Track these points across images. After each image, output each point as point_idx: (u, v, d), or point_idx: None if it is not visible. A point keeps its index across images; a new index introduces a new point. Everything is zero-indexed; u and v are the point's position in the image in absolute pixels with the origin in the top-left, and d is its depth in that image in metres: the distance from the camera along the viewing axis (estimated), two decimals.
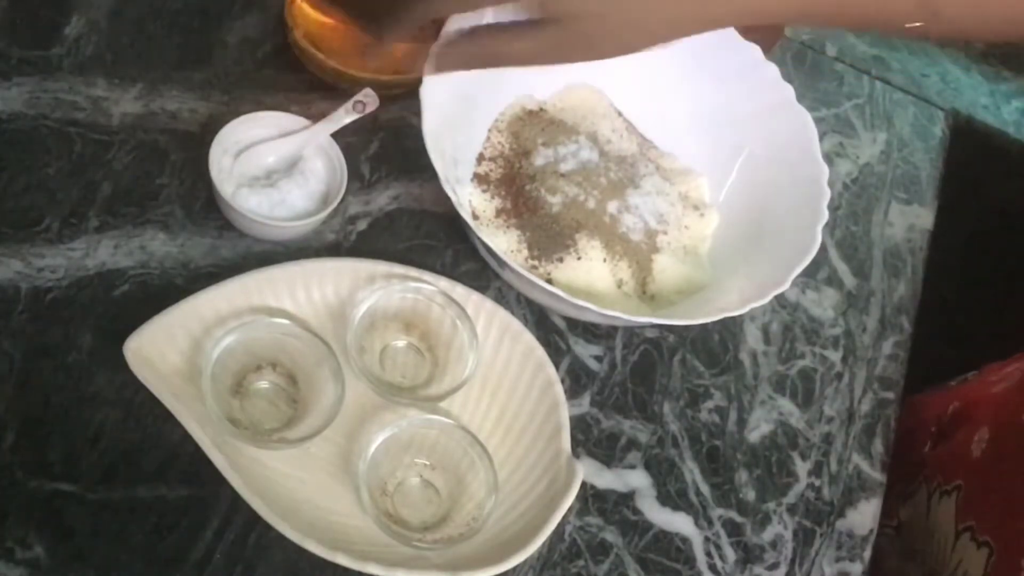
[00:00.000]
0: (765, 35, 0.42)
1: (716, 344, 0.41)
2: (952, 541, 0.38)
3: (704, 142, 0.43)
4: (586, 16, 0.28)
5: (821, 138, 0.41)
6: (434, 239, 0.39)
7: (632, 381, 0.39)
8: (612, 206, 0.40)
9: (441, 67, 0.33)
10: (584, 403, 0.38)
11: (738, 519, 0.37)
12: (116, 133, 0.37)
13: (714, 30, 0.30)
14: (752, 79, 0.41)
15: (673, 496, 0.37)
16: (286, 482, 0.32)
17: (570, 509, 0.32)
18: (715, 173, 0.43)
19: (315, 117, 0.38)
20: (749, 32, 0.42)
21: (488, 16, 0.32)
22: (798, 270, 0.36)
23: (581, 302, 0.34)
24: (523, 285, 0.36)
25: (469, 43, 0.31)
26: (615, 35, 0.29)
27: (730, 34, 0.42)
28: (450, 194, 0.34)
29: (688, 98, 0.43)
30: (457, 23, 0.33)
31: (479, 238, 0.34)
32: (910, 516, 0.43)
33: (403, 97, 0.41)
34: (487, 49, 0.31)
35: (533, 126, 0.42)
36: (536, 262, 0.38)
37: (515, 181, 0.40)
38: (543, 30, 0.29)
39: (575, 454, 0.34)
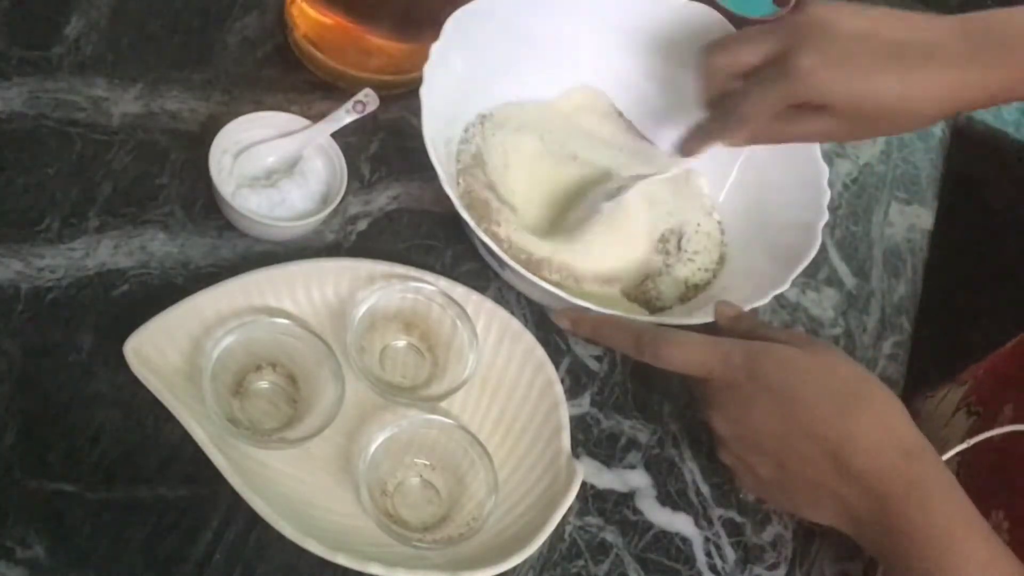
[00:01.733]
0: None
1: None
2: None
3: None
4: (858, 110, 0.33)
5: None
6: (434, 239, 0.39)
7: (632, 381, 0.39)
8: (610, 205, 0.40)
9: (731, 142, 0.37)
10: (584, 403, 0.38)
11: (738, 519, 0.37)
12: (116, 133, 0.37)
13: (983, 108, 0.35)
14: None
15: (673, 496, 0.37)
16: (286, 482, 0.32)
17: (570, 509, 0.33)
18: (716, 173, 0.43)
19: (315, 117, 0.38)
20: None
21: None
22: (798, 270, 0.36)
23: (580, 302, 0.34)
24: (523, 284, 0.36)
25: (767, 123, 0.35)
26: (891, 124, 0.34)
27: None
28: (449, 193, 0.34)
29: (689, 98, 0.43)
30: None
31: (479, 237, 0.34)
32: None
33: (403, 97, 0.41)
34: (779, 128, 0.35)
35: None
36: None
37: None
38: (828, 116, 0.34)
39: (575, 454, 0.35)
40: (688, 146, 0.39)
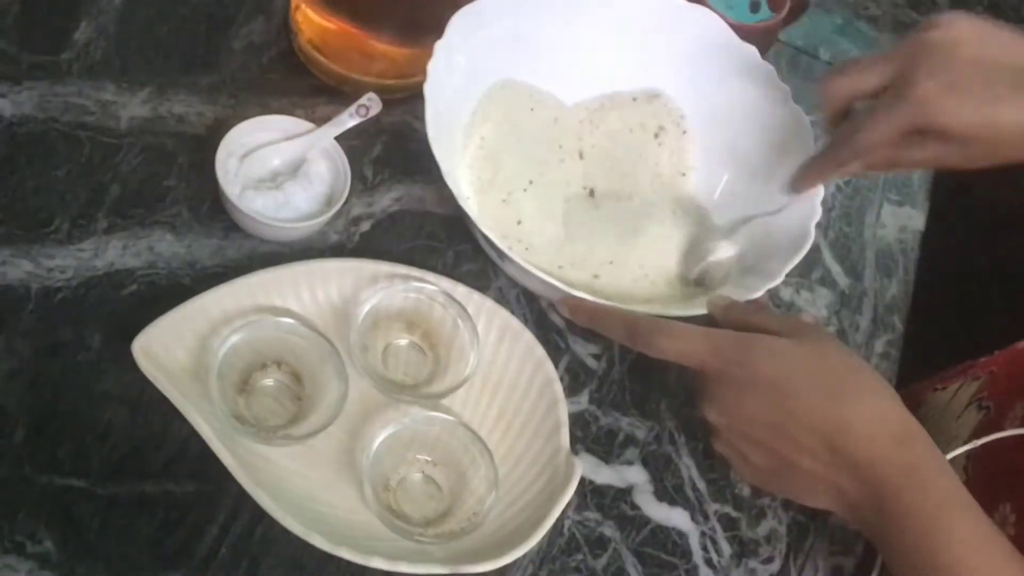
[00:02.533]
0: (760, 39, 0.43)
1: None
2: None
3: (702, 140, 0.44)
4: (979, 138, 0.33)
5: (815, 140, 0.41)
6: (436, 240, 0.40)
7: (630, 379, 0.39)
8: (609, 204, 0.41)
9: (844, 172, 0.37)
10: (583, 400, 0.38)
11: (734, 514, 0.38)
12: (124, 136, 0.38)
13: None
14: (750, 79, 0.42)
15: (670, 491, 0.37)
16: (291, 478, 0.32)
17: (569, 504, 0.33)
18: (712, 170, 0.44)
19: (319, 120, 0.39)
20: (745, 36, 0.43)
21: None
22: (791, 264, 0.37)
23: (579, 293, 0.34)
24: (522, 277, 0.37)
25: (875, 151, 0.35)
26: (1010, 150, 0.34)
27: (728, 35, 0.43)
28: (452, 187, 0.34)
29: (688, 97, 0.44)
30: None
31: (480, 230, 0.35)
32: None
33: (406, 101, 0.42)
34: (895, 155, 0.35)
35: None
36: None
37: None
38: (946, 143, 0.33)
39: (574, 450, 0.35)
40: (803, 181, 0.38)
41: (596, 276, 0.40)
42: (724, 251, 0.39)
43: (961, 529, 0.29)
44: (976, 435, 0.38)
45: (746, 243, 0.41)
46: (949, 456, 0.34)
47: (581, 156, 0.42)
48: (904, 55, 0.33)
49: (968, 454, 0.37)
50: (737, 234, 0.40)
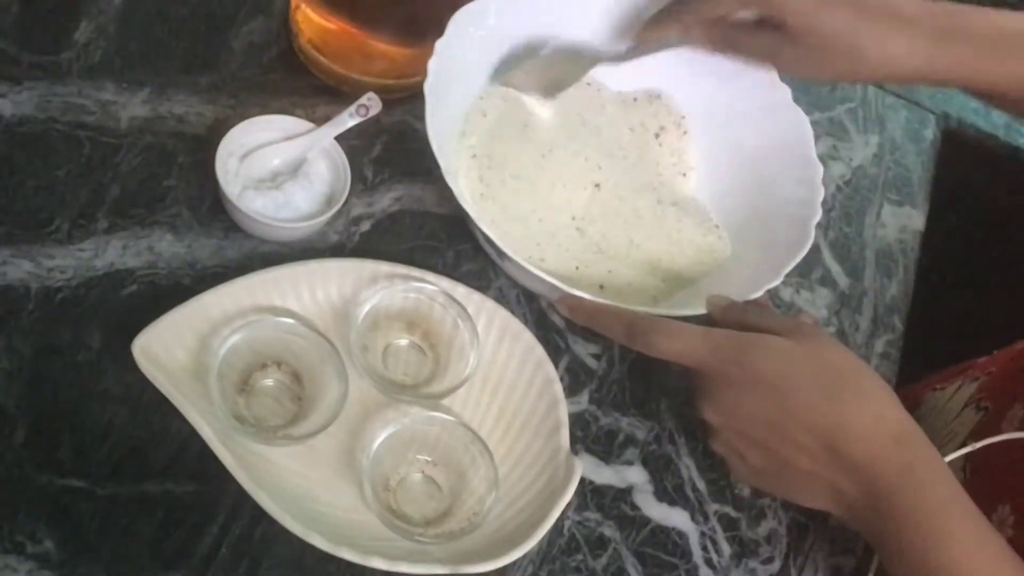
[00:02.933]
0: None
1: None
2: None
3: (702, 140, 0.44)
4: (806, 36, 0.34)
5: (815, 141, 0.41)
6: (436, 240, 0.40)
7: (630, 379, 0.39)
8: (609, 204, 0.41)
9: (686, 31, 0.39)
10: (583, 400, 0.38)
11: (734, 514, 0.38)
12: (124, 136, 0.38)
13: (922, 84, 0.36)
14: (750, 80, 0.42)
15: (670, 492, 0.37)
16: (291, 478, 0.32)
17: (569, 504, 0.33)
18: (712, 170, 0.44)
19: (319, 120, 0.39)
20: None
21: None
22: (791, 265, 0.37)
23: (578, 292, 0.34)
24: (522, 276, 0.37)
25: (715, 26, 0.37)
26: (836, 64, 0.35)
27: None
28: (452, 185, 0.34)
29: (688, 97, 0.44)
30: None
31: (480, 230, 0.35)
32: None
33: (405, 101, 0.42)
34: (735, 36, 0.37)
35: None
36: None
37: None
38: (782, 36, 0.35)
39: (574, 451, 0.35)
40: (645, 34, 0.39)
41: (591, 274, 0.40)
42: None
43: (958, 530, 0.29)
44: (974, 436, 0.38)
45: (746, 242, 0.41)
46: (948, 458, 0.34)
47: (582, 156, 0.42)
48: None
49: (967, 455, 0.37)
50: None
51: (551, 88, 0.41)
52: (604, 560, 0.35)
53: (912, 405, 0.32)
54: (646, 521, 0.36)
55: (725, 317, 0.34)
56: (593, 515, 0.36)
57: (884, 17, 0.34)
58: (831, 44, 0.34)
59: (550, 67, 0.41)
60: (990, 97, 0.40)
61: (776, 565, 0.37)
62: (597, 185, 0.42)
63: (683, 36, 0.38)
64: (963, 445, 0.37)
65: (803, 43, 0.35)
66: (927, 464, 0.30)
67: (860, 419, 0.31)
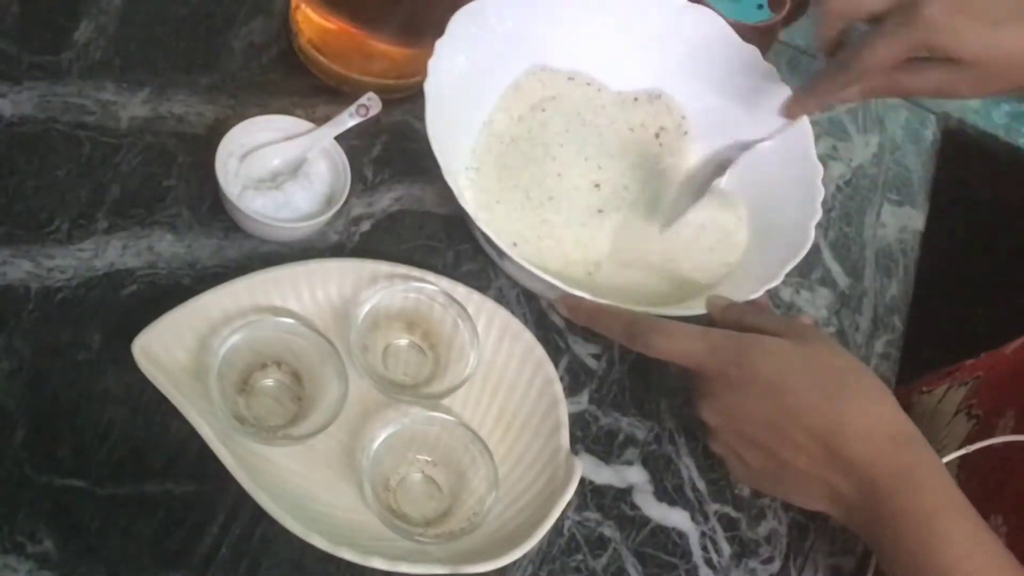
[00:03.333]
0: (760, 39, 0.43)
1: None
2: None
3: (703, 140, 0.44)
4: (983, 63, 0.33)
5: (815, 141, 0.41)
6: (436, 240, 0.40)
7: (630, 379, 0.39)
8: (609, 204, 0.41)
9: (845, 95, 0.36)
10: (583, 400, 0.38)
11: (733, 514, 0.38)
12: (124, 136, 0.38)
13: None
14: (750, 79, 0.42)
15: (670, 491, 0.37)
16: (291, 478, 0.32)
17: (569, 504, 0.33)
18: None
19: (319, 120, 0.39)
20: (746, 36, 0.43)
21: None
22: (791, 265, 0.37)
23: (578, 292, 0.34)
24: (522, 276, 0.37)
25: (875, 76, 0.35)
26: (1011, 78, 0.33)
27: (729, 35, 0.43)
28: (452, 187, 0.34)
29: (688, 97, 0.44)
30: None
31: (480, 230, 0.35)
32: None
33: (405, 101, 0.42)
34: (898, 80, 0.35)
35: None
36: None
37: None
38: (953, 67, 0.33)
39: (574, 451, 0.35)
40: (799, 103, 0.38)
41: (591, 274, 0.39)
42: (700, 204, 0.38)
43: (956, 532, 0.29)
44: (967, 444, 0.38)
45: (747, 244, 0.41)
46: (942, 461, 0.34)
47: (582, 156, 0.42)
48: None
49: (960, 463, 0.37)
50: (730, 165, 0.38)
51: (698, 192, 0.39)
52: (604, 560, 0.35)
53: (904, 408, 0.32)
54: (646, 521, 0.36)
55: (724, 317, 0.34)
56: (593, 515, 0.36)
57: None
58: (1008, 63, 0.33)
59: (695, 179, 0.39)
60: None
61: (776, 565, 0.37)
62: (597, 185, 0.42)
63: (843, 100, 0.37)
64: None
65: (980, 70, 0.33)
66: (925, 466, 0.30)
67: (858, 420, 0.31)
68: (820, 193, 0.40)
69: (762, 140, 0.39)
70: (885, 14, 0.33)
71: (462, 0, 0.38)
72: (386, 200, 0.40)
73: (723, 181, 0.39)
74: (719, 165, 0.39)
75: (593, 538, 0.36)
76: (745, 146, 0.39)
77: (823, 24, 0.35)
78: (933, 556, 0.29)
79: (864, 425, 0.30)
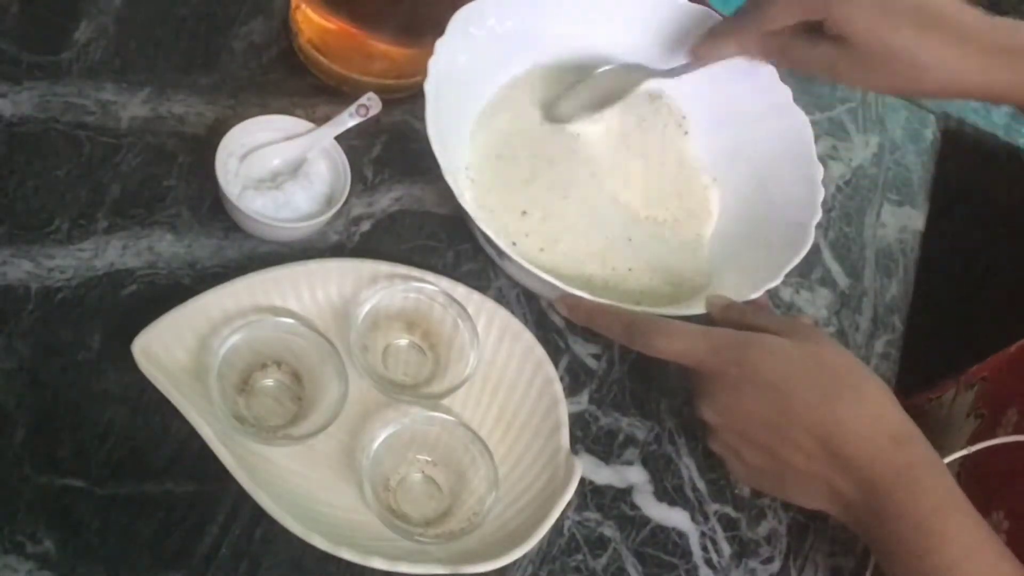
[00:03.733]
0: None
1: None
2: None
3: (703, 140, 0.44)
4: (867, 49, 0.34)
5: (815, 141, 0.41)
6: (436, 240, 0.40)
7: (630, 379, 0.39)
8: (610, 203, 0.41)
9: (743, 45, 0.38)
10: (583, 400, 0.38)
11: (733, 514, 0.38)
12: (124, 136, 0.38)
13: (981, 100, 0.35)
14: (751, 80, 0.42)
15: (670, 492, 0.37)
16: (291, 478, 0.32)
17: (569, 504, 0.33)
18: (713, 171, 0.44)
19: (319, 120, 0.39)
20: None
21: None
22: (791, 265, 0.37)
23: (577, 292, 0.34)
24: (522, 275, 0.37)
25: (772, 37, 0.36)
26: (897, 76, 0.34)
27: None
28: (452, 187, 0.34)
29: (688, 97, 0.44)
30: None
31: (480, 229, 0.35)
32: None
33: (405, 101, 0.42)
34: (794, 47, 0.36)
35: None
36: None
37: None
38: (843, 48, 0.34)
39: (574, 451, 0.35)
40: (703, 49, 0.39)
41: (591, 273, 0.40)
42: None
43: (956, 531, 0.29)
44: (971, 443, 0.38)
45: (746, 242, 0.41)
46: (943, 461, 0.34)
47: (582, 155, 0.42)
48: None
49: (962, 461, 0.37)
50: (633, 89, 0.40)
51: (597, 105, 0.41)
52: (604, 560, 0.35)
53: (913, 416, 0.32)
54: (646, 521, 0.36)
55: (724, 317, 0.34)
56: (593, 515, 0.36)
57: (946, 33, 0.33)
58: (893, 59, 0.34)
59: (595, 88, 0.41)
60: None
61: (776, 565, 0.37)
62: (597, 185, 0.42)
63: (740, 50, 0.38)
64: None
65: (864, 56, 0.34)
66: (925, 465, 0.30)
67: (858, 419, 0.31)
68: (820, 193, 0.40)
69: (664, 74, 0.40)
70: None
71: (462, 0, 0.38)
72: (386, 200, 0.40)
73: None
74: (622, 89, 0.40)
75: (593, 538, 0.36)
76: (650, 74, 0.40)
77: None
78: (932, 555, 0.29)
79: (864, 424, 0.30)
